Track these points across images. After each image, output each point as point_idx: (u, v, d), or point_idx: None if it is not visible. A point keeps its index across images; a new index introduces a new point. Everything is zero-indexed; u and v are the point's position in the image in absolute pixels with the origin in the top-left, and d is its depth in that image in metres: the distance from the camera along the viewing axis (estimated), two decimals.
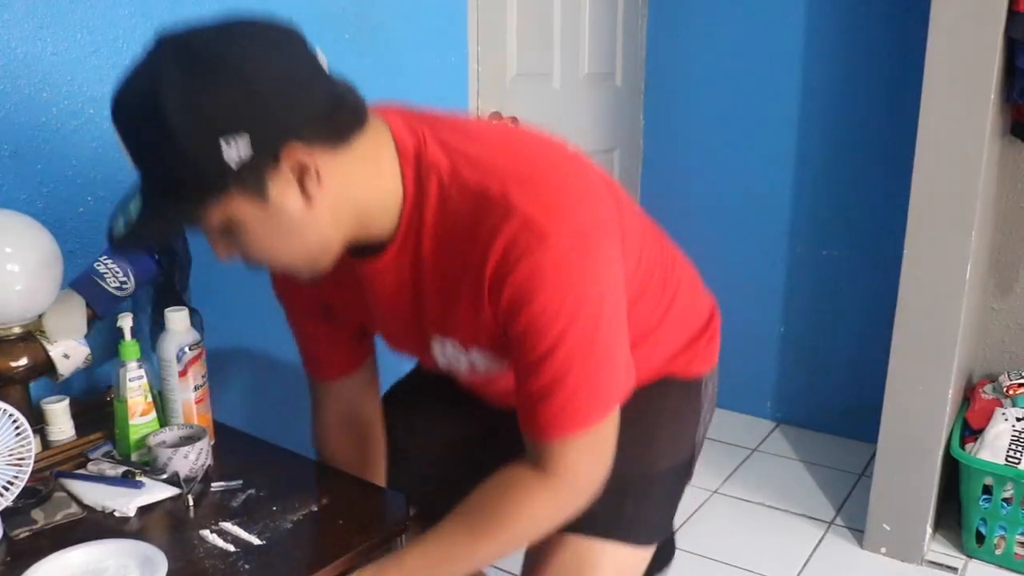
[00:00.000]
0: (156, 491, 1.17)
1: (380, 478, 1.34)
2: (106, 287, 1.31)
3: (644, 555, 1.27)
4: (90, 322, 1.31)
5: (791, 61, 2.73)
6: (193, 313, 1.33)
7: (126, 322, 1.28)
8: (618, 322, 1.04)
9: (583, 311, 0.97)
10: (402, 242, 1.01)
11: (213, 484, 1.21)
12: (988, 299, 2.51)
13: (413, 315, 1.09)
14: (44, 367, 1.27)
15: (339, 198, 0.93)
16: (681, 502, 1.37)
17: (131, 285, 1.33)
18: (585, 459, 1.05)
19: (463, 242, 0.97)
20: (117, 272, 1.31)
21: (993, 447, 2.12)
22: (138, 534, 1.09)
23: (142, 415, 1.27)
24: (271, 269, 0.98)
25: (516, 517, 1.06)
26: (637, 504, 1.23)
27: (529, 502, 1.05)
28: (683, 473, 1.37)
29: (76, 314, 1.28)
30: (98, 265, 1.32)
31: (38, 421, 1.29)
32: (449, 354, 1.13)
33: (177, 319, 1.29)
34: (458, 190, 0.97)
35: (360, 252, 1.03)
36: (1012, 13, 1.90)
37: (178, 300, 1.39)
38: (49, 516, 1.12)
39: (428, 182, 0.97)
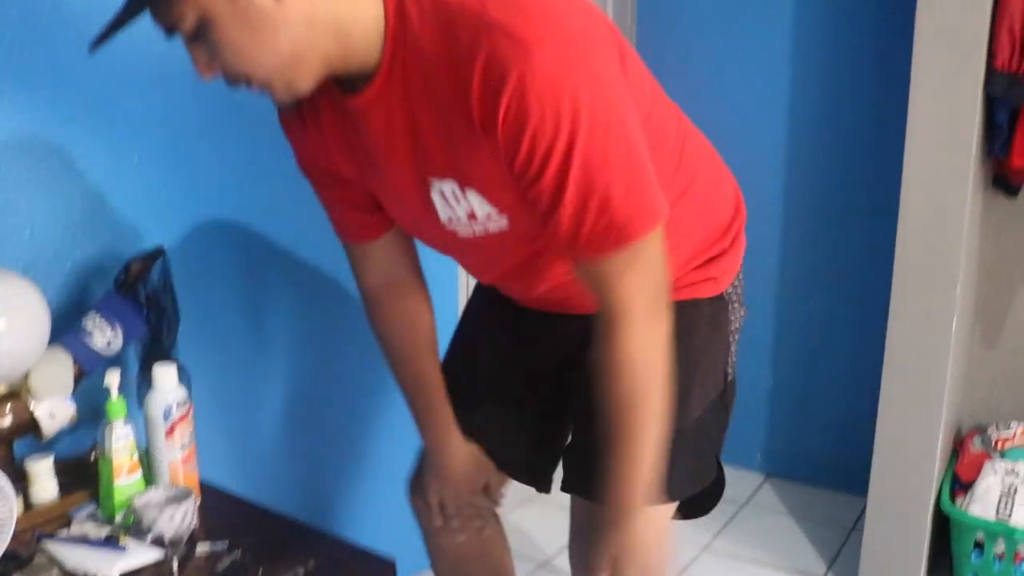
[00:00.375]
0: (140, 555, 1.15)
1: (428, 350, 1.38)
2: (93, 345, 1.30)
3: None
4: (76, 380, 1.29)
5: (776, 113, 2.76)
6: (181, 370, 1.32)
7: (113, 380, 1.26)
8: (638, 138, 0.98)
9: (588, 119, 0.91)
10: (388, 72, 0.99)
11: (199, 546, 1.19)
12: (975, 350, 2.51)
13: (411, 161, 1.06)
14: (29, 426, 1.25)
15: (313, 6, 0.92)
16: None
17: (119, 342, 1.32)
18: (640, 278, 1.03)
19: (448, 67, 0.93)
20: (105, 329, 1.30)
21: (984, 501, 2.12)
22: None
23: (127, 474, 1.26)
24: (249, 86, 0.99)
25: (633, 379, 1.07)
26: (674, 463, 1.20)
27: (629, 359, 1.06)
28: (721, 410, 1.36)
29: (63, 372, 1.26)
30: (86, 322, 1.31)
31: (21, 480, 1.27)
32: (451, 208, 1.09)
33: (165, 376, 1.28)
34: (437, 11, 0.94)
35: (350, 88, 1.02)
36: (990, 71, 1.94)
37: (166, 356, 1.38)
38: None
39: (408, 5, 0.96)
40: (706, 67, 2.86)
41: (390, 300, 1.35)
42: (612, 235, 0.98)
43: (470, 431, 1.41)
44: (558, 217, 0.98)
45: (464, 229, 1.12)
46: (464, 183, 1.05)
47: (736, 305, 1.38)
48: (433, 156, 1.04)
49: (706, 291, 1.31)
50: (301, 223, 1.81)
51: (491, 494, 1.48)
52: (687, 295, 1.27)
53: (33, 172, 1.37)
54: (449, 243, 1.20)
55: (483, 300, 1.51)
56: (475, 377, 1.45)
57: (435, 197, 1.09)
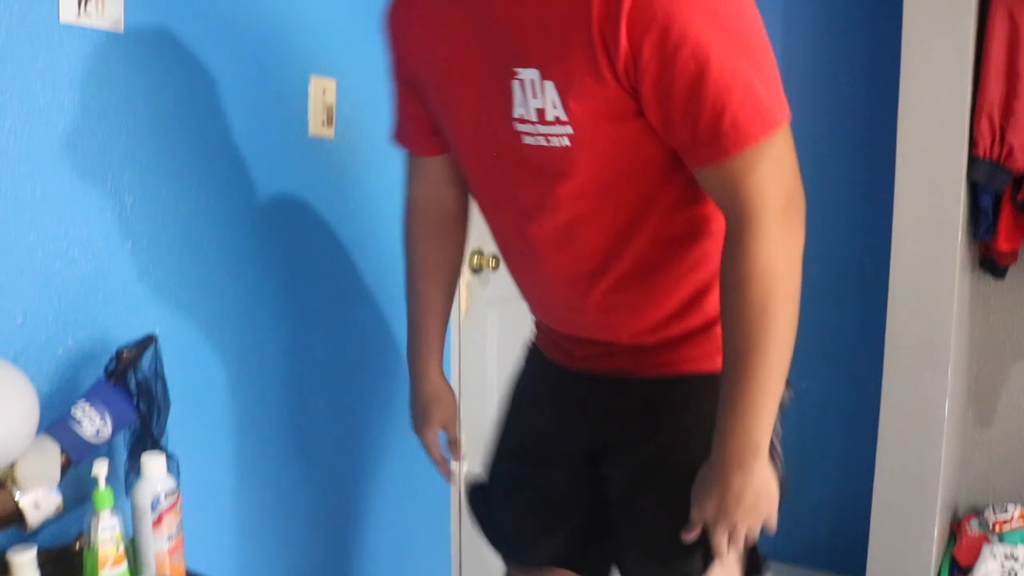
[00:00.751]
0: None
1: (445, 275, 1.49)
2: (82, 433, 1.29)
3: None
4: (64, 469, 1.28)
5: None
6: (170, 458, 1.31)
7: (101, 470, 1.25)
8: (762, 30, 1.00)
9: (731, 18, 0.95)
10: None
11: None
12: (969, 431, 2.51)
13: (501, 46, 1.07)
14: (13, 517, 1.23)
15: None
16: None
17: (108, 431, 1.31)
18: (774, 174, 1.01)
19: None
20: (94, 417, 1.30)
21: None
22: None
23: (113, 566, 1.23)
24: None
25: (769, 290, 1.03)
26: None
27: (765, 267, 1.03)
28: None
29: (50, 462, 1.25)
30: (75, 410, 1.30)
31: (3, 572, 1.24)
32: (526, 101, 1.07)
33: (154, 466, 1.26)
34: None
35: None
36: (972, 158, 1.99)
37: (155, 445, 1.37)
38: None
39: None
40: None
41: (428, 214, 1.47)
42: (755, 125, 0.98)
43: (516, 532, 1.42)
44: (693, 112, 0.97)
45: (529, 132, 1.09)
46: (546, 75, 1.04)
47: None
48: (526, 42, 1.04)
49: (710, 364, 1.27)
50: (294, 309, 1.82)
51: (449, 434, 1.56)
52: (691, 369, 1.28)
53: (27, 257, 1.37)
54: (507, 165, 1.18)
55: (524, 398, 1.51)
56: (517, 475, 1.44)
57: (515, 87, 1.07)
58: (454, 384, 2.27)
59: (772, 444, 1.19)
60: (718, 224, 1.16)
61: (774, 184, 1.02)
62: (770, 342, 1.06)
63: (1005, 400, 2.46)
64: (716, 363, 1.18)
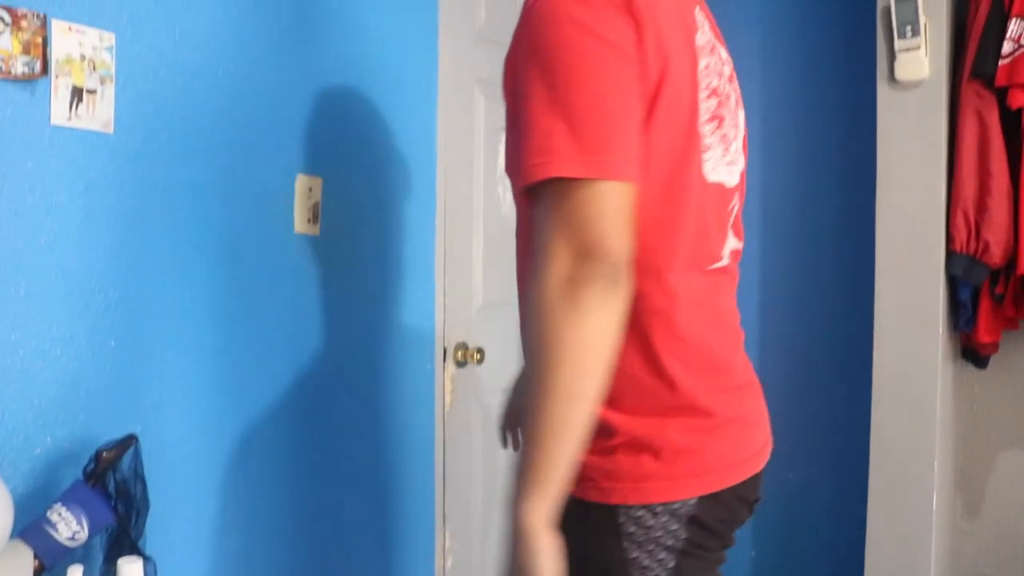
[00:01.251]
0: None
1: None
2: (58, 537, 1.26)
3: None
4: (36, 574, 1.25)
5: (747, 288, 2.83)
6: (147, 562, 1.28)
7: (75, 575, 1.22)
8: (610, 84, 0.97)
9: (559, 45, 0.98)
10: None
11: None
12: (957, 521, 2.49)
13: None
14: None
15: None
16: None
17: (84, 534, 1.28)
18: (562, 221, 0.95)
19: None
20: (71, 521, 1.27)
21: None
22: None
23: None
24: None
25: (536, 332, 0.96)
26: None
27: (535, 304, 0.95)
28: None
29: (22, 568, 1.22)
30: (51, 513, 1.27)
31: None
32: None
33: (131, 570, 1.23)
34: None
35: None
36: (949, 253, 2.02)
37: (133, 548, 1.34)
38: None
39: None
40: None
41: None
42: (546, 166, 0.96)
43: None
44: (516, 144, 1.03)
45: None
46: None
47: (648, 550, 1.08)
48: None
49: (600, 492, 1.08)
50: (279, 406, 1.81)
51: None
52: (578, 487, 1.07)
53: (8, 356, 1.37)
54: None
55: None
56: None
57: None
58: (438, 479, 2.24)
59: (636, 559, 1.06)
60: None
61: (559, 231, 0.96)
62: (546, 392, 0.95)
63: (993, 489, 2.44)
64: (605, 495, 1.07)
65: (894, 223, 2.05)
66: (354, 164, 1.98)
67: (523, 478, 0.97)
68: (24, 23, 1.33)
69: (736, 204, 1.21)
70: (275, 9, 1.78)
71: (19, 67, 1.33)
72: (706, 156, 1.10)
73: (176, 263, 1.60)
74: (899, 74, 2.08)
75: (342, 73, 1.95)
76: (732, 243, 1.20)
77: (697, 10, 1.15)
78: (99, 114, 1.45)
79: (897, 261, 2.04)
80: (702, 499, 1.08)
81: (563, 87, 0.98)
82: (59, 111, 1.40)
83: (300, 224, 1.83)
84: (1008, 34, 2.02)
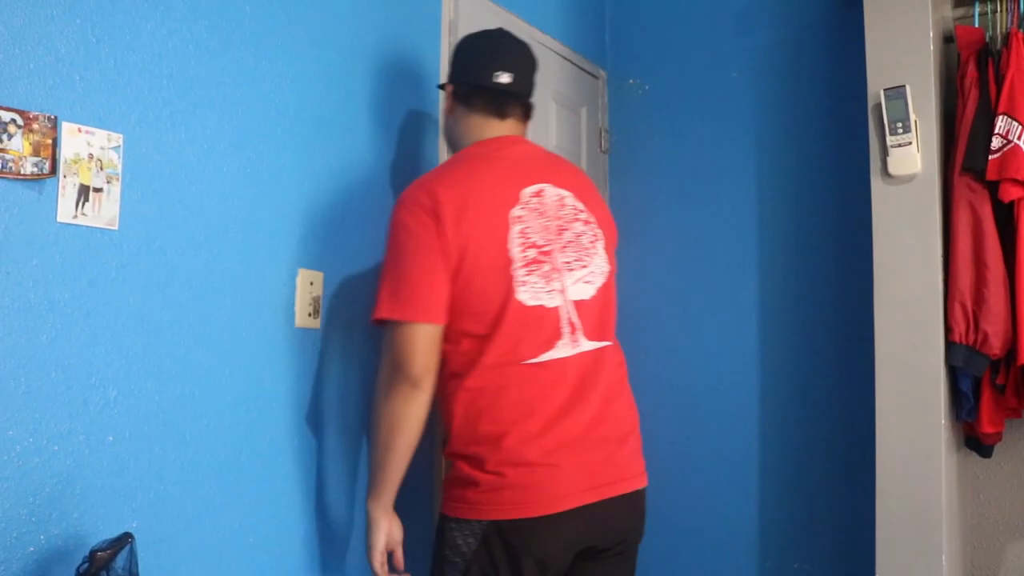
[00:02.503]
0: None
1: None
2: None
3: None
4: None
5: (749, 381, 2.82)
6: None
7: None
8: (417, 259, 1.67)
9: (393, 235, 1.72)
10: None
11: None
12: None
13: None
14: None
15: None
16: None
17: None
18: (392, 342, 1.70)
19: None
20: None
21: None
22: None
23: None
24: None
25: (374, 399, 1.78)
26: None
27: (377, 384, 1.77)
28: None
29: None
30: None
31: None
32: None
33: None
34: None
35: None
36: (949, 344, 2.02)
37: None
38: None
39: None
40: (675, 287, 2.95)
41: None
42: (379, 307, 1.70)
43: None
44: None
45: None
46: None
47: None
48: None
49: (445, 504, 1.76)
50: (276, 503, 1.79)
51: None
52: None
53: (5, 452, 1.36)
54: None
55: None
56: None
57: None
58: None
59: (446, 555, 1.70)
60: (453, 366, 1.74)
61: (387, 352, 1.72)
62: (373, 437, 1.76)
63: None
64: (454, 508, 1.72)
65: (892, 315, 2.06)
66: (354, 258, 2.01)
67: (369, 486, 1.79)
68: (35, 125, 1.37)
69: (591, 313, 1.77)
70: (277, 110, 1.83)
71: (28, 167, 1.36)
72: (522, 290, 1.68)
73: (177, 359, 1.61)
74: (892, 169, 2.12)
75: (342, 169, 1.99)
76: (584, 344, 1.75)
77: (526, 191, 1.74)
78: (104, 212, 1.48)
79: (897, 353, 2.04)
80: (496, 523, 1.65)
81: (391, 261, 1.70)
82: (65, 209, 1.42)
83: (301, 318, 1.84)
84: (996, 130, 2.07)
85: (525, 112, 1.88)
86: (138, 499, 1.54)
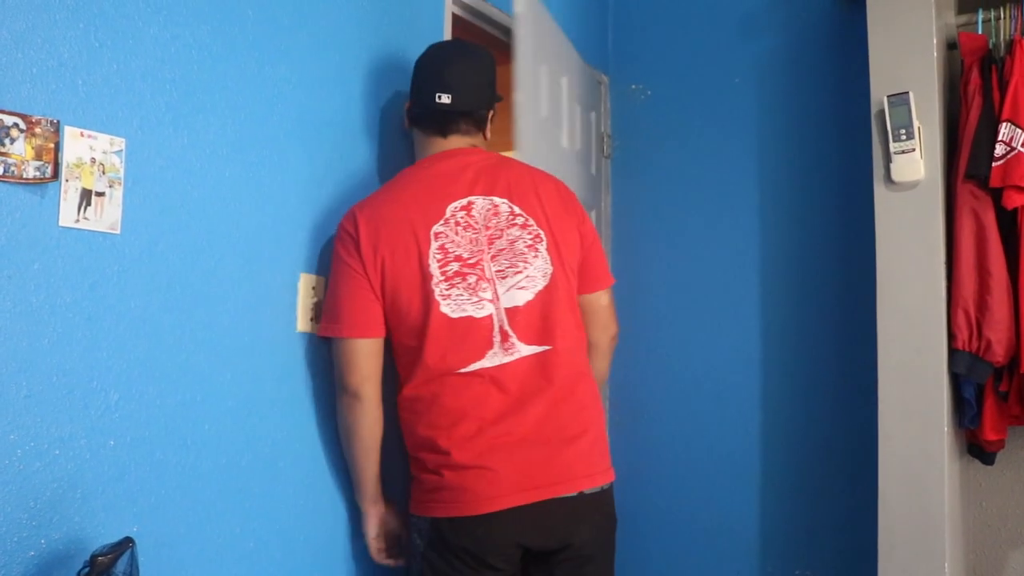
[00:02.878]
0: None
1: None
2: None
3: None
4: None
5: (750, 386, 2.81)
6: None
7: None
8: (344, 281, 1.79)
9: (332, 259, 1.83)
10: None
11: None
12: None
13: None
14: None
15: None
16: None
17: None
18: (332, 358, 1.84)
19: None
20: None
21: None
22: None
23: None
24: None
25: None
26: None
27: None
28: None
29: None
30: None
31: None
32: None
33: None
34: None
35: None
36: (952, 351, 2.02)
37: None
38: None
39: None
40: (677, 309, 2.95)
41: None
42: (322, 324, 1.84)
43: None
44: None
45: None
46: None
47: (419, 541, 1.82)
48: None
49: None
50: (278, 508, 1.79)
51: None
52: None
53: (6, 456, 1.36)
54: None
55: None
56: None
57: None
58: None
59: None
60: (400, 374, 1.87)
61: (333, 364, 1.84)
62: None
63: None
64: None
65: (895, 322, 2.06)
66: None
67: (352, 483, 1.91)
68: (38, 129, 1.37)
69: (529, 318, 1.80)
70: (279, 115, 1.83)
71: (31, 171, 1.36)
72: (444, 303, 1.75)
73: (178, 363, 1.61)
74: (895, 175, 2.12)
75: (344, 174, 1.99)
76: (523, 350, 1.79)
77: (452, 205, 1.81)
78: (107, 216, 1.48)
79: (899, 360, 2.04)
80: (436, 520, 1.76)
81: (329, 286, 1.83)
82: (67, 213, 1.42)
83: (303, 323, 1.84)
84: (999, 137, 2.06)
85: (475, 124, 1.93)
86: (139, 503, 1.54)
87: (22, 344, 1.38)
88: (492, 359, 1.77)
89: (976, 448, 2.31)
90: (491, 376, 1.77)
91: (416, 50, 2.00)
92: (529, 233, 1.83)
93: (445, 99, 1.86)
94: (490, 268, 1.79)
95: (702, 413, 2.91)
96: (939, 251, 2.08)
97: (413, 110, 1.95)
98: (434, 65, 1.91)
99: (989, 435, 2.13)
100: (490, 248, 1.80)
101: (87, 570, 1.32)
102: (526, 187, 1.87)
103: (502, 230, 1.81)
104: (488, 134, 1.99)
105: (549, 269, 1.83)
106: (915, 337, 2.04)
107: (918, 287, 2.06)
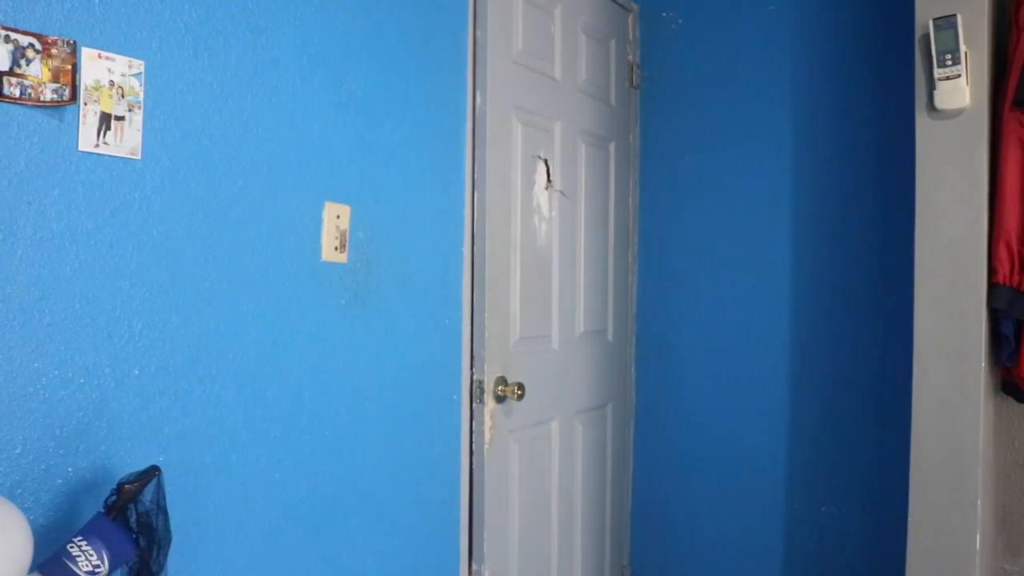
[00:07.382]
0: None
1: None
2: (78, 572, 1.23)
3: None
4: None
5: (780, 322, 2.78)
6: None
7: None
8: None
9: None
10: None
11: None
12: (999, 561, 2.41)
13: None
14: None
15: None
16: None
17: (105, 569, 1.25)
18: None
19: None
20: (91, 555, 1.24)
21: None
22: None
23: None
24: None
25: None
26: None
27: None
28: None
29: None
30: (71, 547, 1.25)
31: None
32: None
33: None
34: None
35: None
36: (992, 285, 1.96)
37: None
38: None
39: None
40: (705, 274, 2.91)
41: None
42: None
43: None
44: None
45: None
46: None
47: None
48: None
49: None
50: (304, 438, 1.78)
51: None
52: None
53: (31, 385, 1.35)
54: None
55: None
56: None
57: None
58: (477, 514, 2.20)
59: None
60: None
61: None
62: None
63: None
64: None
65: (934, 254, 2.00)
66: (383, 192, 1.96)
67: None
68: (54, 51, 1.32)
69: None
70: (302, 38, 1.77)
71: (48, 94, 1.32)
72: None
73: (202, 291, 1.59)
74: (939, 103, 2.03)
75: (368, 101, 1.94)
76: None
77: None
78: (127, 141, 1.44)
79: (937, 294, 1.98)
80: None
81: None
82: (87, 138, 1.39)
83: (328, 252, 1.81)
84: None
85: None
86: (165, 432, 1.53)
87: (44, 272, 1.36)
88: None
89: (1010, 386, 2.26)
90: None
91: None
92: None
93: None
94: None
95: (729, 347, 2.87)
96: (982, 182, 2.00)
97: None
98: None
99: None
100: None
101: (114, 498, 1.32)
102: None
103: None
104: None
105: None
106: (954, 271, 1.98)
107: (959, 219, 1.99)
